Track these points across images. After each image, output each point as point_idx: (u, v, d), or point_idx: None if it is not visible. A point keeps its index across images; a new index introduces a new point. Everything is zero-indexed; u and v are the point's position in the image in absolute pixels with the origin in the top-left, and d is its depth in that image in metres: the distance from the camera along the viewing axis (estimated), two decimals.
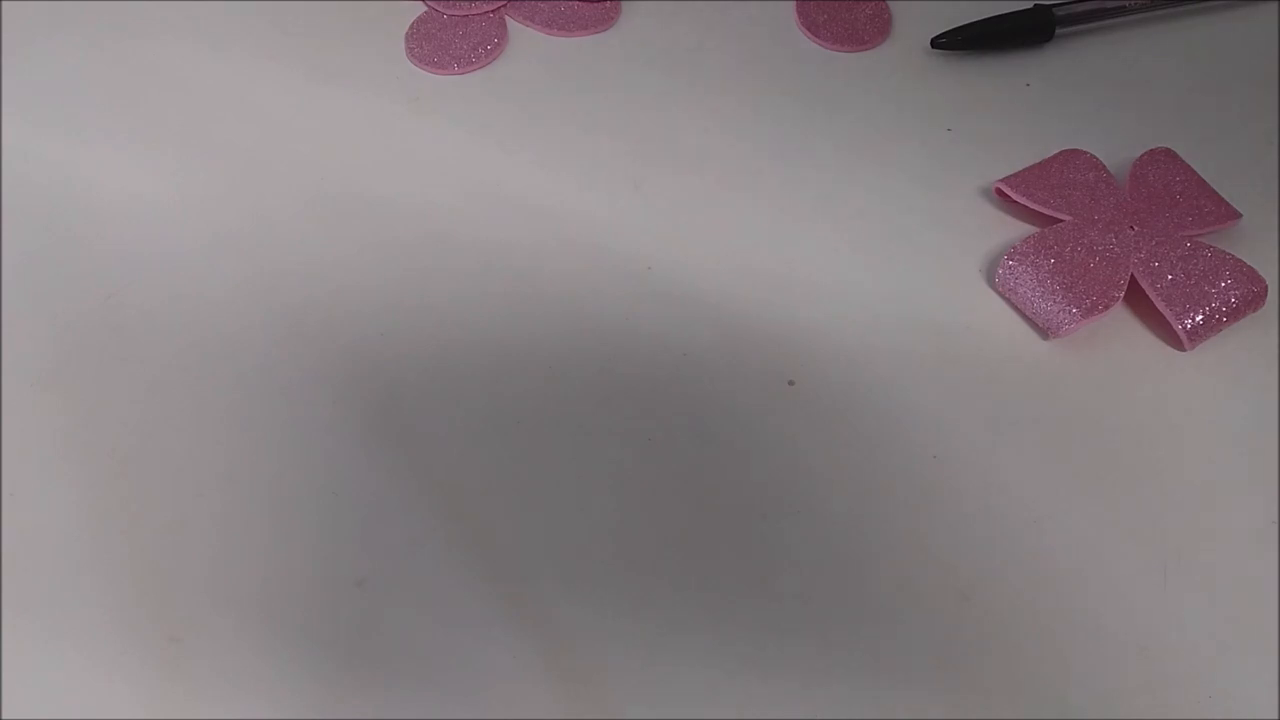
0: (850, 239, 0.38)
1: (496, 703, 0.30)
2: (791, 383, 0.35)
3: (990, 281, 0.37)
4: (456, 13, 0.44)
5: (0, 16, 0.44)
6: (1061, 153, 0.40)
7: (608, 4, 0.45)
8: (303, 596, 0.31)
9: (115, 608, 0.31)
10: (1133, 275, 0.36)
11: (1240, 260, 0.37)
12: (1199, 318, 0.36)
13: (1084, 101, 0.43)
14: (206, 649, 0.30)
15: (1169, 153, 0.40)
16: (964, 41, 0.43)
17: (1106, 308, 0.36)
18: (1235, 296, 0.36)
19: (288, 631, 0.31)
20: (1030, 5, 0.44)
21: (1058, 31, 0.44)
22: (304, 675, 0.30)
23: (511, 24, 0.45)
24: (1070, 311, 0.36)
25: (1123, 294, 0.36)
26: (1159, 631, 0.31)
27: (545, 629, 0.31)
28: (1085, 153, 0.39)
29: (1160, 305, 0.36)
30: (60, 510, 0.32)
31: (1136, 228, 0.37)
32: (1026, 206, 0.38)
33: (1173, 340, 0.36)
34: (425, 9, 0.45)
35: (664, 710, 0.30)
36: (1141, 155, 0.39)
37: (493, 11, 0.45)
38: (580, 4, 0.45)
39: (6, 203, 0.39)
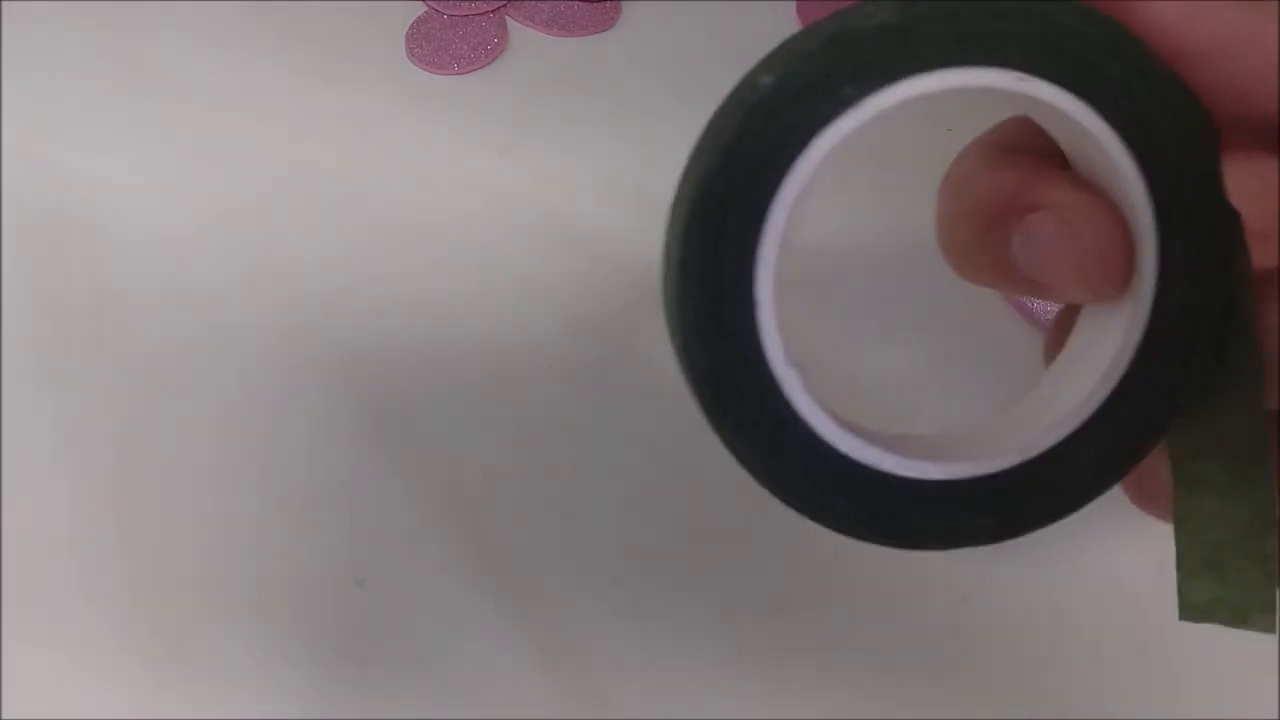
0: (850, 238, 0.38)
1: (496, 703, 0.30)
2: None
3: None
4: (457, 13, 0.44)
5: (0, 17, 0.44)
6: None
7: (608, 4, 0.45)
8: (302, 596, 0.31)
9: (114, 607, 0.31)
10: None
11: None
12: None
13: None
14: (205, 648, 0.30)
15: None
16: None
17: None
18: None
19: (287, 631, 0.31)
20: None
21: None
22: (303, 675, 0.30)
23: (512, 24, 0.45)
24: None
25: None
26: (1159, 631, 0.31)
27: (545, 629, 0.31)
28: None
29: None
30: (59, 510, 0.32)
31: None
32: None
33: None
34: (425, 9, 0.45)
35: (664, 710, 0.30)
36: None
37: (493, 11, 0.45)
38: (580, 4, 0.45)
39: (6, 203, 0.39)
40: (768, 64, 0.17)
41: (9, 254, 0.37)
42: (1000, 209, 0.19)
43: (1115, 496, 0.33)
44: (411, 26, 0.44)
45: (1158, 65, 0.17)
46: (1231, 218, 0.18)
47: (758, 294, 0.17)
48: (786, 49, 0.17)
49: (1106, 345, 0.18)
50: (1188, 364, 0.18)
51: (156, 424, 0.34)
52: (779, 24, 0.45)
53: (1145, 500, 0.21)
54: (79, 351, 0.35)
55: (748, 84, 0.17)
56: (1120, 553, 0.32)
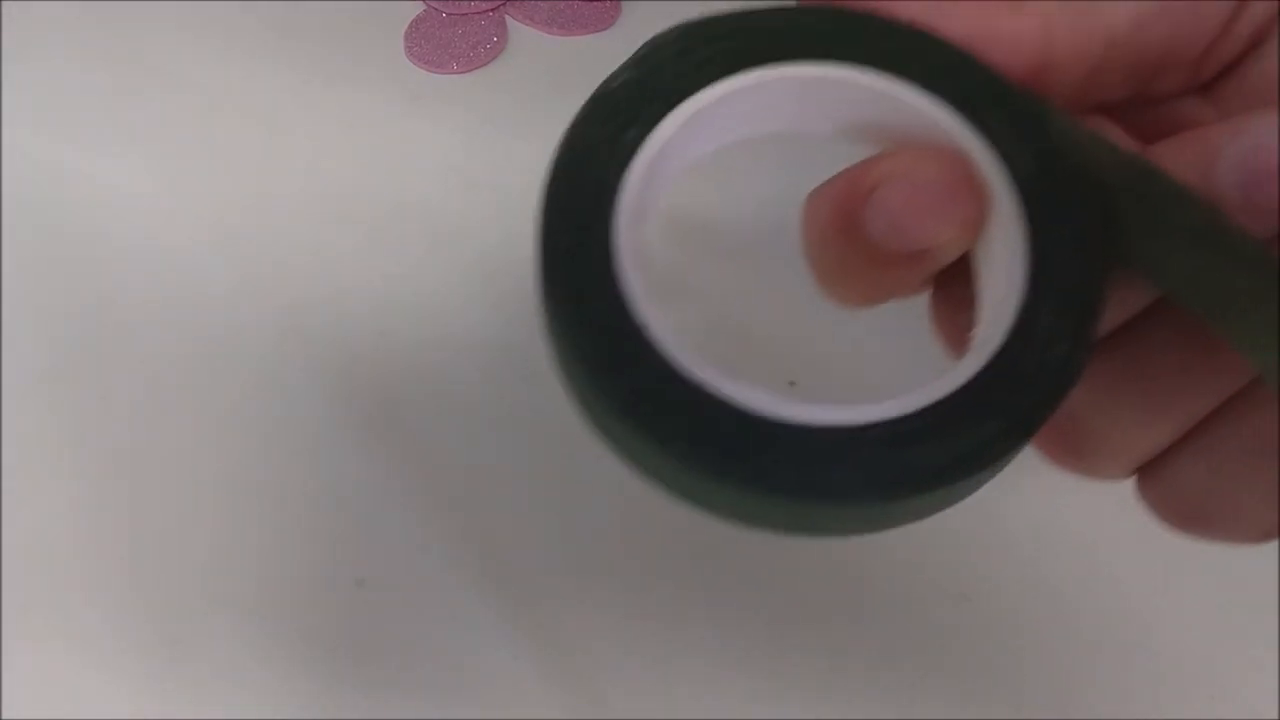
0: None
1: (495, 703, 0.30)
2: (793, 383, 0.35)
3: None
4: (456, 11, 0.44)
5: (0, 17, 0.44)
6: None
7: (607, 3, 0.45)
8: (302, 596, 0.31)
9: (115, 608, 0.31)
10: None
11: None
12: None
13: None
14: (206, 649, 0.30)
15: None
16: None
17: None
18: None
19: (287, 631, 0.31)
20: None
21: None
22: (303, 675, 0.30)
23: (511, 23, 0.45)
24: None
25: None
26: (1159, 631, 0.31)
27: (545, 629, 0.31)
28: None
29: None
30: (59, 510, 0.32)
31: None
32: None
33: None
34: (424, 8, 0.45)
35: (663, 710, 0.30)
36: None
37: (492, 10, 0.45)
38: (580, 3, 0.45)
39: (6, 203, 0.39)
40: (565, 136, 0.19)
41: (8, 254, 0.37)
42: (846, 210, 0.19)
43: (1117, 498, 0.34)
44: (410, 25, 0.44)
45: (894, 26, 0.19)
46: (1035, 104, 0.19)
47: (641, 322, 0.17)
48: (574, 121, 0.20)
49: (1006, 258, 0.18)
50: (1088, 223, 0.18)
51: (156, 424, 0.34)
52: None
53: (1064, 457, 0.21)
54: (79, 352, 0.35)
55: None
56: (1121, 553, 0.32)
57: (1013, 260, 0.18)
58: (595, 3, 0.45)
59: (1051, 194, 0.18)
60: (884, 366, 0.35)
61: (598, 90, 0.19)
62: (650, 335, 0.17)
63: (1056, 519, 0.33)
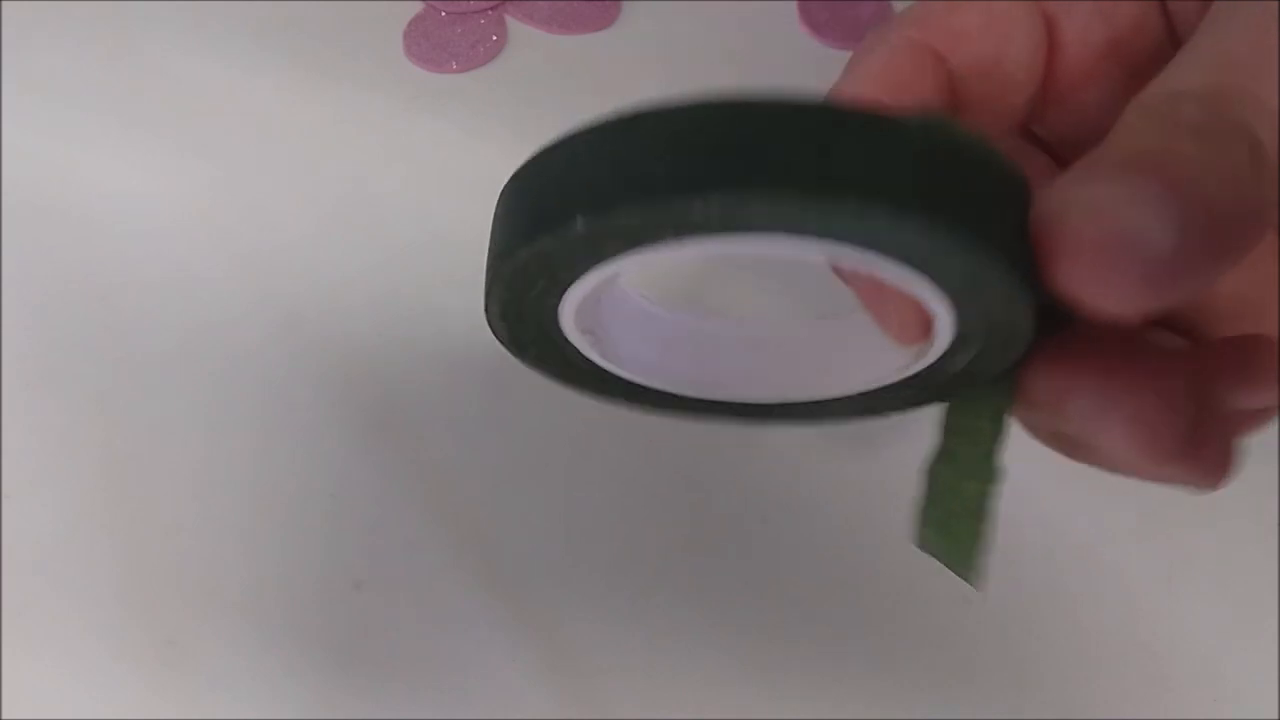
0: None
1: (495, 706, 0.30)
2: None
3: None
4: (455, 10, 0.44)
5: (0, 16, 0.44)
6: None
7: (607, 2, 0.45)
8: (300, 599, 0.31)
9: (112, 610, 0.31)
10: None
11: None
12: None
13: None
14: (203, 652, 0.30)
15: None
16: None
17: None
18: None
19: (285, 634, 0.31)
20: None
21: None
22: (302, 678, 0.30)
23: (511, 21, 0.44)
24: None
25: None
26: (1160, 631, 0.31)
27: (544, 632, 0.31)
28: None
29: None
30: (55, 510, 0.32)
31: None
32: None
33: None
34: (423, 6, 0.45)
35: (663, 711, 0.30)
36: None
37: (491, 9, 0.44)
38: (580, 2, 0.45)
39: (6, 202, 0.39)
40: (489, 292, 0.21)
41: (8, 253, 0.37)
42: None
43: (1119, 498, 0.34)
44: (410, 24, 0.44)
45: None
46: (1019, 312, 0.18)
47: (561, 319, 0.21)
48: (495, 271, 0.20)
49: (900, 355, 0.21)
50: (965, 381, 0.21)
51: (153, 424, 0.34)
52: (781, 23, 0.45)
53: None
54: (76, 351, 0.35)
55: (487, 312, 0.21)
56: (1121, 554, 0.32)
57: (916, 358, 0.21)
58: (595, 1, 0.45)
59: (979, 354, 0.20)
60: None
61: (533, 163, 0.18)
62: (564, 331, 0.21)
63: (1058, 521, 0.33)
